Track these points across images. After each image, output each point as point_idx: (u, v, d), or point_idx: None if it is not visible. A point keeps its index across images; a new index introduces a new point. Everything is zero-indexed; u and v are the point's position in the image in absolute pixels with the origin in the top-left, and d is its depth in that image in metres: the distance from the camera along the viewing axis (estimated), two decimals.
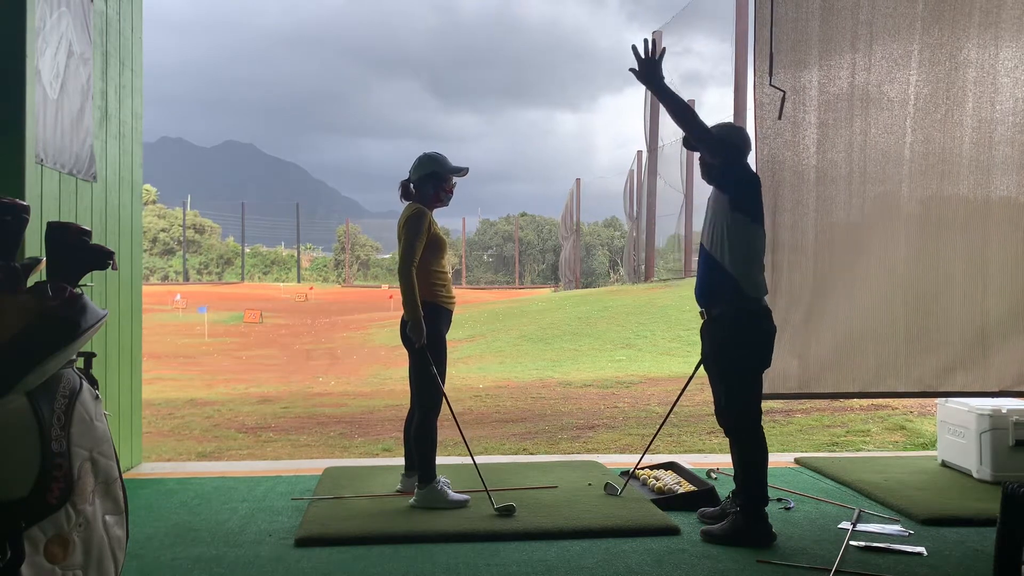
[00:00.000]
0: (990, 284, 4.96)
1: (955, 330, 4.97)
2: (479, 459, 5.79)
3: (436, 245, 4.37)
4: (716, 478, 4.95)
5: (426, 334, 4.30)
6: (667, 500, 4.41)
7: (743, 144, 3.99)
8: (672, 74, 22.32)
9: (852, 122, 4.90)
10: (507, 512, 4.17)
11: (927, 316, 4.96)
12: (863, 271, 4.94)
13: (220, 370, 12.58)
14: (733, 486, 3.97)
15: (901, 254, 4.96)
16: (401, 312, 4.49)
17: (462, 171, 4.52)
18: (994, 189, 4.97)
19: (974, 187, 4.97)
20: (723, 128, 4.00)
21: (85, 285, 2.59)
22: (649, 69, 3.78)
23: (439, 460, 4.46)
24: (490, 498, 4.29)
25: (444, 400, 4.38)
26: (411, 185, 4.51)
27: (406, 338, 4.41)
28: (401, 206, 4.54)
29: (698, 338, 4.14)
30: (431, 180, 4.44)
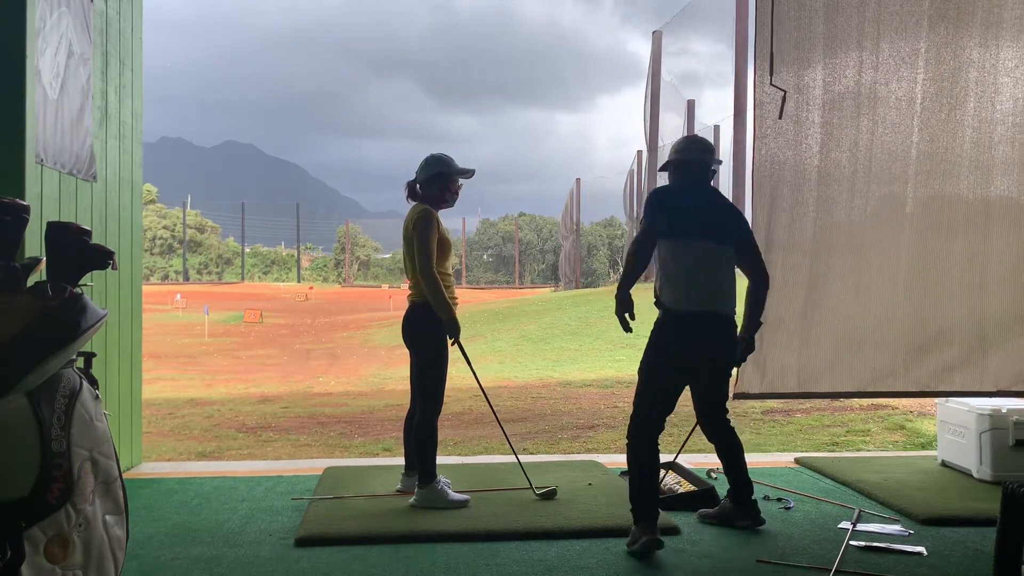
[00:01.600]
0: (989, 284, 4.95)
1: (954, 330, 4.96)
2: (479, 459, 5.81)
3: (442, 246, 4.38)
4: (716, 478, 4.95)
5: (427, 335, 4.32)
6: (667, 500, 4.41)
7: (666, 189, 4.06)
8: (670, 74, 22.33)
9: (859, 121, 4.87)
10: (549, 496, 4.41)
11: (926, 316, 4.95)
12: (863, 271, 4.94)
13: (220, 370, 12.58)
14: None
15: (902, 254, 4.95)
16: (402, 312, 4.50)
17: (468, 172, 4.53)
18: (994, 189, 4.95)
19: (974, 187, 4.95)
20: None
21: (85, 285, 2.59)
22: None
23: (439, 460, 4.47)
24: (531, 484, 4.51)
25: (486, 399, 4.67)
26: (417, 186, 4.51)
27: (408, 337, 4.42)
28: (404, 207, 4.55)
29: None
30: (437, 181, 4.44)
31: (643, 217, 3.92)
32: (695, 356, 3.89)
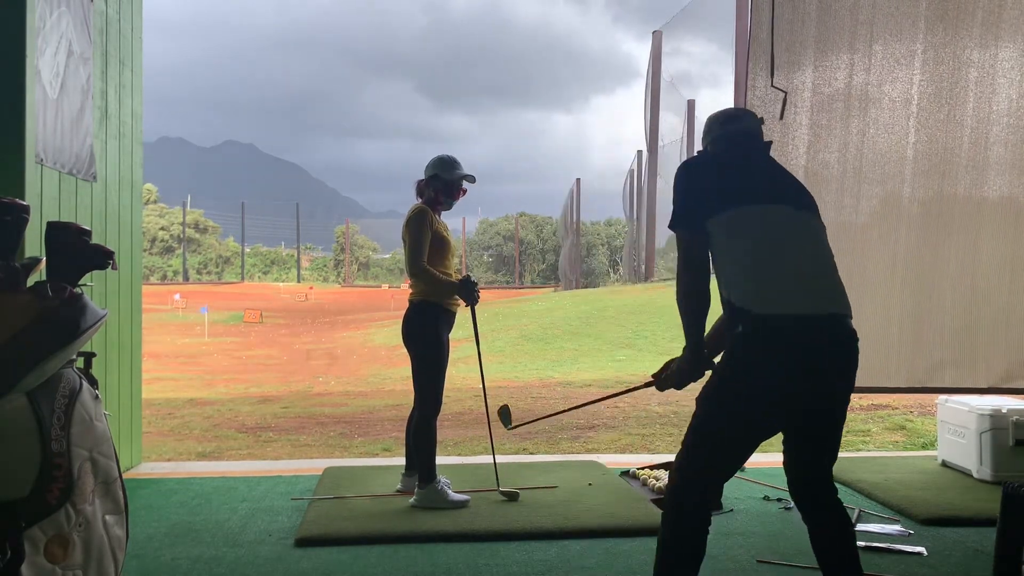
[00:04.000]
0: (980, 282, 5.00)
1: (946, 327, 5.01)
2: (479, 459, 5.80)
3: (439, 245, 4.38)
4: None
5: (425, 334, 4.33)
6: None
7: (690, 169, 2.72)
8: (667, 75, 22.35)
9: (848, 122, 4.92)
10: (512, 498, 4.41)
11: (919, 313, 5.00)
12: (856, 269, 4.97)
13: (220, 370, 12.57)
14: (734, 485, 3.97)
15: (898, 253, 4.99)
16: (402, 312, 4.50)
17: (466, 178, 4.54)
18: (987, 188, 5.00)
19: (969, 187, 5.00)
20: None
21: (85, 285, 2.59)
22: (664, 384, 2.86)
23: (439, 460, 4.47)
24: (497, 481, 4.55)
25: (484, 400, 4.75)
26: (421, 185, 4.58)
27: (406, 337, 4.42)
28: (403, 207, 4.60)
29: None
30: (432, 183, 4.48)
31: (675, 205, 2.59)
32: (802, 392, 2.46)
